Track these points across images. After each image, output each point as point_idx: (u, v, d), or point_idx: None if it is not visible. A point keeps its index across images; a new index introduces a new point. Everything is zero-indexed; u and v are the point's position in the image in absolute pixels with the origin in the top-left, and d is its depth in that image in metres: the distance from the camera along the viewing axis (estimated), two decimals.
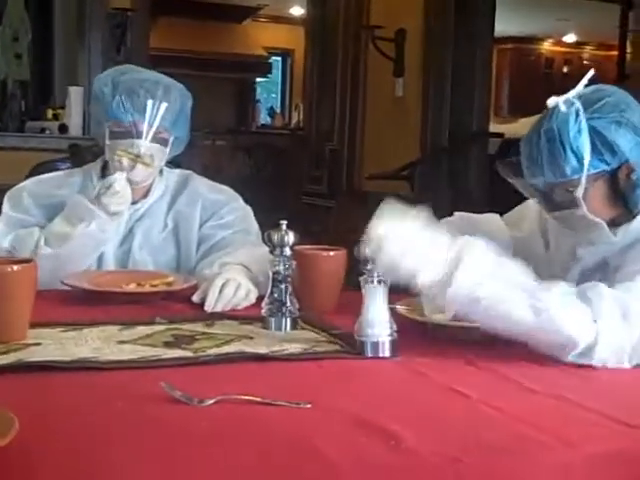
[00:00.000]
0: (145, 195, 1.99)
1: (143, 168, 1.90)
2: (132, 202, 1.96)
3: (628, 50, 5.77)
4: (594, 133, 1.43)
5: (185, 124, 1.97)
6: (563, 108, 1.44)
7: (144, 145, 1.87)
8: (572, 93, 1.46)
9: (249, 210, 2.07)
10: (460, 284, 1.29)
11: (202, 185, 2.06)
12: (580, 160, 1.43)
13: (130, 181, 1.89)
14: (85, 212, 1.86)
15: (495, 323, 1.32)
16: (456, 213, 1.76)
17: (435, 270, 1.31)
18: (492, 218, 1.80)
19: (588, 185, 1.45)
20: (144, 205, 2.00)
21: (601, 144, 1.43)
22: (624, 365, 1.30)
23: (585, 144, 1.43)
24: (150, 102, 1.85)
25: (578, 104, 1.43)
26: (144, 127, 1.86)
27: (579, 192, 1.45)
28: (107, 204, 1.86)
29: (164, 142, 1.92)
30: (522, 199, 1.75)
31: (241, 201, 2.07)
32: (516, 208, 1.82)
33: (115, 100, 1.87)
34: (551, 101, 1.46)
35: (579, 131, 1.43)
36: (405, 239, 1.32)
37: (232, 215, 2.02)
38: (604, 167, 1.45)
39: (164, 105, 1.86)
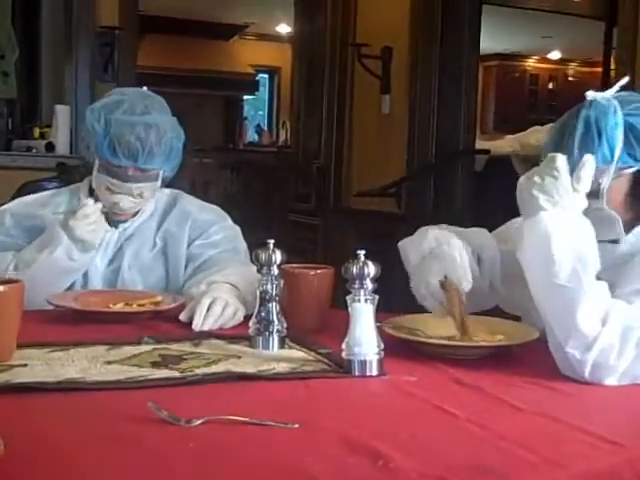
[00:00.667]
0: (134, 214, 1.99)
1: (132, 199, 1.91)
2: (121, 222, 1.98)
3: (612, 67, 5.82)
4: (629, 128, 1.46)
5: (177, 158, 1.97)
6: (602, 101, 1.47)
7: (132, 186, 1.89)
8: (609, 92, 1.49)
9: (238, 229, 2.08)
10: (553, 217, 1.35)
11: (191, 204, 2.06)
12: (612, 150, 1.46)
13: (119, 208, 1.91)
14: (53, 236, 1.85)
15: (538, 260, 1.35)
16: (443, 225, 1.77)
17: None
18: (480, 231, 1.81)
19: (613, 178, 1.47)
20: (133, 224, 2.00)
21: (634, 139, 1.46)
22: (612, 382, 1.31)
23: (619, 137, 1.45)
24: (141, 151, 1.85)
25: (616, 102, 1.47)
26: (132, 172, 1.88)
27: (605, 182, 1.46)
28: (73, 227, 1.83)
29: (155, 177, 1.93)
30: (508, 216, 1.76)
31: (230, 220, 2.08)
32: (503, 225, 1.83)
33: (106, 141, 1.87)
34: (590, 94, 1.49)
35: (616, 124, 1.45)
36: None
37: (220, 234, 2.02)
38: (632, 163, 1.47)
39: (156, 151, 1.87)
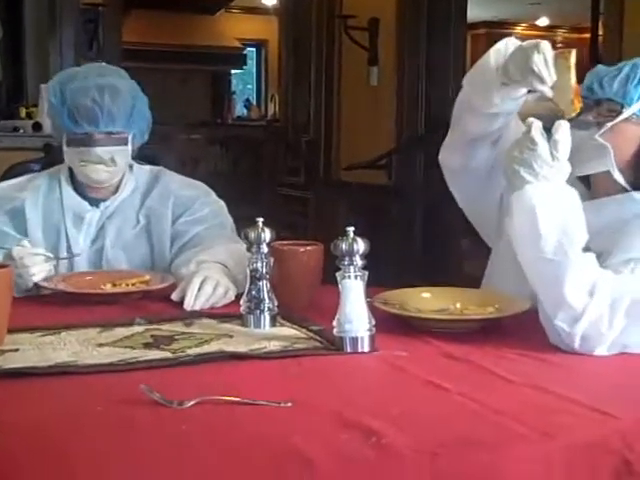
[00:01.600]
0: (114, 192, 1.99)
1: (106, 169, 1.91)
2: (102, 199, 1.97)
3: (600, 33, 5.79)
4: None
5: (142, 118, 1.96)
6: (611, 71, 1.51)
7: (101, 151, 1.89)
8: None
9: (222, 204, 2.06)
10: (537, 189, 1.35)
11: (173, 181, 2.05)
12: (633, 94, 1.48)
13: (95, 180, 1.92)
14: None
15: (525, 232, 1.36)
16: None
17: None
18: None
19: (626, 124, 1.49)
20: (114, 202, 1.98)
21: None
22: (602, 352, 1.31)
23: None
24: (99, 113, 1.86)
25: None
26: (97, 136, 1.88)
27: (620, 116, 1.49)
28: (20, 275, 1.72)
29: (123, 141, 1.92)
30: None
31: (214, 195, 2.07)
32: None
33: (65, 111, 1.87)
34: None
35: None
36: None
37: (205, 210, 2.00)
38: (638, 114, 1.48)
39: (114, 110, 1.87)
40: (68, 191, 1.98)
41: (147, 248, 1.99)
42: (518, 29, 11.62)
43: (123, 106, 1.89)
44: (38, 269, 1.75)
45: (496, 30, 11.29)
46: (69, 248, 1.95)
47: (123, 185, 1.99)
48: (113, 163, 1.91)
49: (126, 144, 1.92)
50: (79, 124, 1.87)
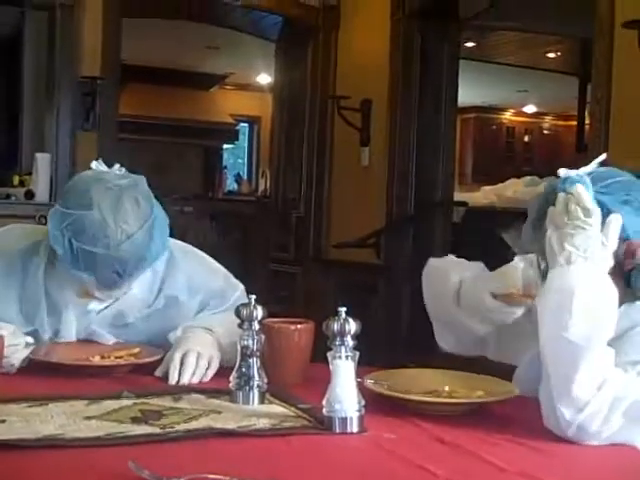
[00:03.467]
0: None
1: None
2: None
3: (587, 121, 5.93)
4: (600, 207, 1.44)
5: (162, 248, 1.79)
6: (575, 178, 1.46)
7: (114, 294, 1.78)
8: (584, 169, 1.49)
9: (242, 287, 1.98)
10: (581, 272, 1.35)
11: (197, 272, 1.92)
12: None
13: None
14: None
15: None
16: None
17: None
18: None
19: None
20: (123, 297, 1.83)
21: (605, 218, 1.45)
22: (592, 443, 1.31)
23: None
24: (119, 280, 1.72)
25: (588, 179, 1.46)
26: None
27: None
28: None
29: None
30: (487, 267, 1.78)
31: (232, 278, 1.99)
32: (504, 266, 1.81)
33: (73, 266, 1.69)
34: (562, 171, 1.48)
35: None
36: None
37: (231, 301, 1.89)
38: None
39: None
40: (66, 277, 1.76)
41: (150, 331, 1.87)
42: (506, 114, 11.86)
43: (149, 259, 1.73)
44: (18, 357, 1.68)
45: (485, 115, 11.55)
46: (58, 331, 1.84)
47: (136, 282, 1.80)
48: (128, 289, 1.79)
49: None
50: (93, 285, 1.72)
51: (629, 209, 1.47)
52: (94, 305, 1.83)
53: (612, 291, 1.37)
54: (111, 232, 1.66)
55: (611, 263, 1.39)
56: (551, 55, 7.84)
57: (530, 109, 11.81)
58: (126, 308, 1.86)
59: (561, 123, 11.91)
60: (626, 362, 1.37)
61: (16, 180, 5.42)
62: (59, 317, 1.84)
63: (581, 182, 1.43)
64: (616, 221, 1.40)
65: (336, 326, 1.34)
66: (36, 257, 1.81)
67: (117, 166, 1.79)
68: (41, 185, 5.11)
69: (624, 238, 1.45)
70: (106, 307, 1.86)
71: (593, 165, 1.50)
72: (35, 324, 1.81)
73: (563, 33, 6.90)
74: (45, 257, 1.80)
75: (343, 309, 1.36)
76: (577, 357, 1.32)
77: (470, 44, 7.06)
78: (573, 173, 1.47)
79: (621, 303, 1.43)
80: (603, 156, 1.54)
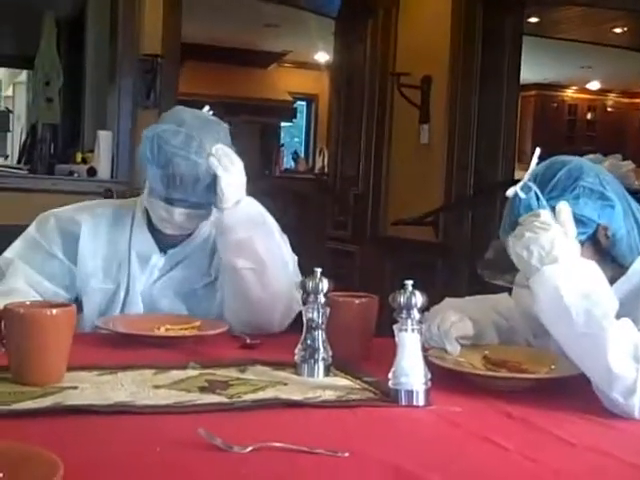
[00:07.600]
0: (188, 235, 1.94)
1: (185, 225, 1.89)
2: (170, 246, 1.94)
3: None
4: (558, 214, 1.44)
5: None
6: (523, 195, 1.47)
7: (177, 212, 1.84)
8: (527, 176, 1.49)
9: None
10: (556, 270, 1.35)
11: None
12: None
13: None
14: None
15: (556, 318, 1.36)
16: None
17: None
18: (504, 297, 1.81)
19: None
20: (184, 249, 1.95)
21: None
22: None
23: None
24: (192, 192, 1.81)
25: (535, 187, 1.46)
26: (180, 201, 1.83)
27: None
28: None
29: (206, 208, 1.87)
30: None
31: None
32: None
33: (157, 175, 1.81)
34: (510, 192, 1.49)
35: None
36: None
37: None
38: (581, 237, 1.46)
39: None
40: (141, 228, 1.94)
41: (210, 304, 1.94)
42: (569, 92, 11.64)
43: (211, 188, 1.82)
44: None
45: (546, 92, 11.34)
46: (128, 286, 1.93)
47: (197, 231, 1.94)
48: (184, 223, 1.88)
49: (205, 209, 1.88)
50: (164, 188, 1.82)
51: (585, 199, 1.47)
52: (155, 259, 1.91)
53: (593, 266, 1.38)
54: (195, 146, 1.80)
55: (578, 248, 1.40)
56: (617, 30, 7.67)
57: (594, 85, 11.55)
58: (189, 274, 1.93)
59: (625, 100, 11.65)
60: None
61: (79, 157, 5.51)
62: (132, 271, 1.93)
63: (531, 194, 1.45)
64: (565, 207, 1.43)
65: (402, 299, 1.34)
66: (126, 215, 1.95)
67: (207, 107, 1.95)
68: (103, 162, 5.19)
69: (595, 226, 1.47)
70: (171, 268, 1.93)
71: (533, 165, 1.50)
72: (112, 279, 1.92)
73: (630, 8, 6.72)
74: (132, 212, 1.95)
75: (410, 282, 1.35)
76: (598, 344, 1.30)
77: (533, 19, 6.93)
78: (519, 187, 1.47)
79: (612, 281, 1.44)
80: (538, 151, 1.52)
